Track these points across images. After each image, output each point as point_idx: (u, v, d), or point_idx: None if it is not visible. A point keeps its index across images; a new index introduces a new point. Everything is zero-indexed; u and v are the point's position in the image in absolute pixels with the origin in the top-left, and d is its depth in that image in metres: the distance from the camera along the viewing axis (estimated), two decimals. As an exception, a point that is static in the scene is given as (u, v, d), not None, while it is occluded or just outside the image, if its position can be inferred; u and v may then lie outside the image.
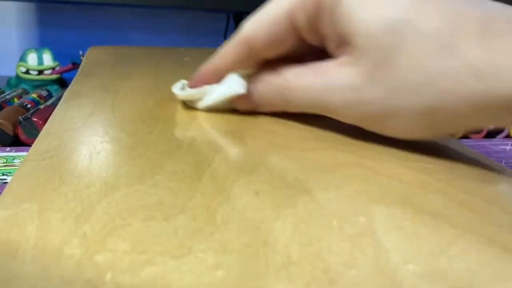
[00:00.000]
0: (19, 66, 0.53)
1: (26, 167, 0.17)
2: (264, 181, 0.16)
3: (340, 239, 0.13)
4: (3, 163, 0.28)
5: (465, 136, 0.43)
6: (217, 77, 0.23)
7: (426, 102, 0.17)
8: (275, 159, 0.18)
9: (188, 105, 0.25)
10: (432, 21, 0.17)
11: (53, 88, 0.53)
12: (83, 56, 0.41)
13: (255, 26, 0.21)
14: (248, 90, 0.22)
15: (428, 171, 0.18)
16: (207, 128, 0.22)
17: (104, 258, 0.11)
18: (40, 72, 0.54)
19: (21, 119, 0.33)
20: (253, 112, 0.24)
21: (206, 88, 0.23)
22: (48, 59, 0.54)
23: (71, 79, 0.33)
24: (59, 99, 0.41)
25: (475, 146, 0.37)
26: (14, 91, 0.45)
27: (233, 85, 0.22)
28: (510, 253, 0.13)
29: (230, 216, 0.14)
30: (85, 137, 0.20)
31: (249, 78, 0.23)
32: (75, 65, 0.54)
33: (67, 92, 0.28)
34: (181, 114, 0.24)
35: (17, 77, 0.54)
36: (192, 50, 0.45)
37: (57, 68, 0.55)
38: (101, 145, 0.19)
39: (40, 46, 0.57)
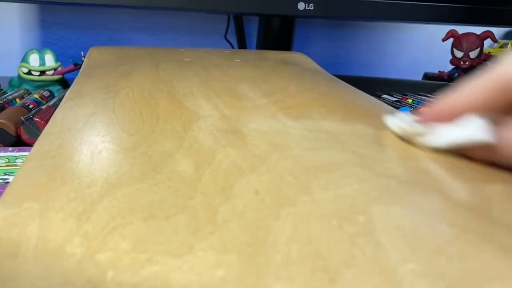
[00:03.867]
0: (21, 66, 0.53)
1: (27, 167, 0.17)
2: (264, 181, 0.16)
3: (339, 239, 0.13)
4: (5, 163, 0.28)
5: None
6: (454, 117, 0.19)
7: None
8: (275, 158, 0.18)
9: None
10: None
11: (55, 88, 0.53)
12: (84, 57, 0.42)
13: None
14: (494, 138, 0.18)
15: (427, 171, 0.18)
16: (207, 127, 0.22)
17: (105, 257, 0.12)
18: (42, 72, 0.54)
19: (23, 120, 0.33)
20: (251, 113, 0.24)
21: (438, 127, 0.20)
22: (50, 60, 0.54)
23: (73, 79, 0.33)
24: (60, 99, 0.41)
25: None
26: (16, 92, 0.45)
27: (476, 130, 0.18)
28: (508, 253, 0.13)
29: (230, 216, 0.14)
30: (87, 136, 0.20)
31: (495, 123, 0.19)
32: (77, 66, 0.54)
33: (68, 92, 0.28)
34: (181, 114, 0.24)
35: (19, 77, 0.54)
36: (192, 50, 0.45)
37: (59, 69, 0.55)
38: (102, 145, 0.19)
39: (42, 47, 0.57)
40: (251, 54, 0.49)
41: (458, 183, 0.17)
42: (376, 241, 0.13)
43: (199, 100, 0.26)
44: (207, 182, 0.16)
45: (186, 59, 0.39)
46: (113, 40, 0.74)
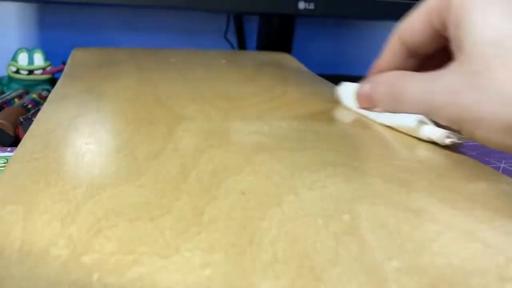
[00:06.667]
0: (10, 65, 0.53)
1: (11, 170, 0.17)
2: (250, 181, 0.16)
3: (325, 237, 0.13)
4: (4, 163, 0.28)
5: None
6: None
7: None
8: (261, 159, 0.18)
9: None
10: None
11: (45, 88, 0.52)
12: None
13: (405, 22, 0.24)
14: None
15: (411, 170, 0.18)
16: (192, 129, 0.22)
17: (91, 259, 0.12)
18: (30, 72, 0.53)
19: (22, 120, 0.33)
20: (237, 113, 0.24)
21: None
22: (38, 59, 0.54)
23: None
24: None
25: (474, 146, 0.37)
26: (14, 92, 0.44)
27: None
28: (490, 249, 0.13)
29: (216, 216, 0.14)
30: (71, 138, 0.20)
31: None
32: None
33: (52, 94, 0.28)
34: (167, 115, 0.24)
35: (9, 76, 0.53)
36: (177, 51, 0.45)
37: (48, 69, 0.54)
38: (86, 147, 0.19)
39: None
40: (237, 54, 0.49)
41: (443, 182, 0.17)
42: (361, 239, 0.13)
43: (184, 101, 0.26)
44: (193, 183, 0.16)
45: (171, 60, 0.39)
46: (113, 40, 0.73)
